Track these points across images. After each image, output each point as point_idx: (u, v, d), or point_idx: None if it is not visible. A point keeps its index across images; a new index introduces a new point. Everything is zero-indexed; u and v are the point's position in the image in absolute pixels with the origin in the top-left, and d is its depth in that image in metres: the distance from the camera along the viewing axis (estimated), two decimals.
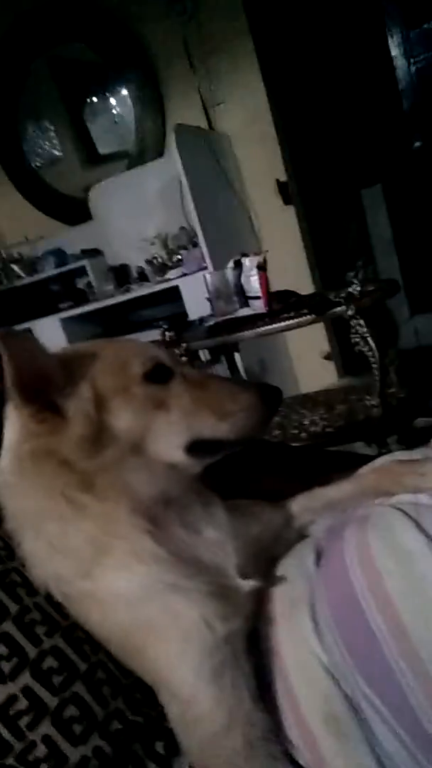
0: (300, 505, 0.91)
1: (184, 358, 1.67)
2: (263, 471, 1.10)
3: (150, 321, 3.27)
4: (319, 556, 0.82)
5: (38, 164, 3.92)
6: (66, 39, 3.57)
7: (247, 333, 1.63)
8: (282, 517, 0.88)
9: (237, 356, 2.66)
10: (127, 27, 3.35)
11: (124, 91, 3.62)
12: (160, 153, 3.48)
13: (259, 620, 0.76)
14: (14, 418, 0.71)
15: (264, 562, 0.82)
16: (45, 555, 0.69)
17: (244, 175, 3.34)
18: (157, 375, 0.73)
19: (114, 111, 3.81)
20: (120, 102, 3.74)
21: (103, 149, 3.86)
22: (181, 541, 0.73)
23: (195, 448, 0.73)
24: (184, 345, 1.67)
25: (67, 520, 0.68)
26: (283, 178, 3.26)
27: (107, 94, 3.76)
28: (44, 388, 0.68)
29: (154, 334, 3.12)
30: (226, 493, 0.86)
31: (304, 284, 3.02)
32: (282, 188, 3.25)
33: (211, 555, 0.74)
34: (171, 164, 3.01)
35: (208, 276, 1.81)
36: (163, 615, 0.68)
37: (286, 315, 1.66)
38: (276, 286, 2.01)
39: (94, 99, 3.83)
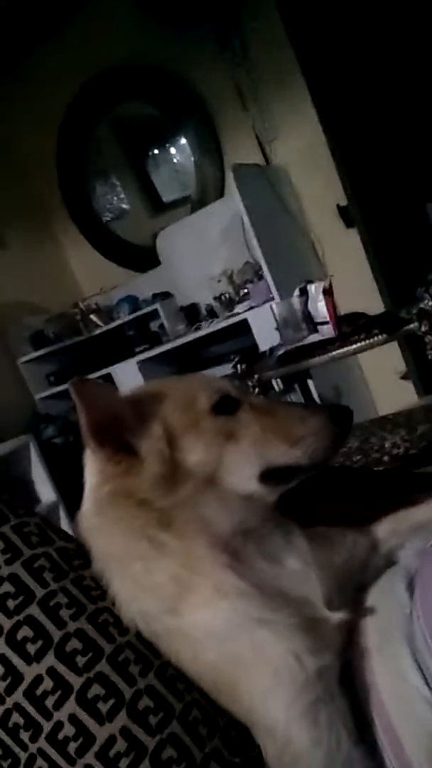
0: (386, 529, 0.88)
1: (256, 390, 1.68)
2: (345, 497, 1.08)
3: (221, 356, 3.32)
4: (411, 583, 0.79)
5: (108, 218, 4.12)
6: (125, 98, 3.77)
7: (317, 359, 1.62)
8: (368, 543, 0.86)
9: (311, 383, 2.64)
10: (180, 78, 3.50)
11: (183, 140, 3.77)
12: (220, 194, 3.57)
13: (351, 654, 0.74)
14: (92, 463, 0.74)
15: (351, 592, 0.80)
16: (131, 594, 0.70)
17: (304, 204, 3.37)
18: (225, 406, 0.74)
19: (175, 160, 3.97)
20: (179, 150, 3.90)
21: (167, 197, 4.02)
22: (264, 574, 0.72)
23: (269, 476, 0.73)
24: (255, 376, 1.68)
25: (149, 559, 0.69)
26: (344, 202, 3.26)
27: (167, 144, 3.93)
28: (117, 431, 0.71)
29: (226, 369, 3.17)
30: (308, 523, 0.85)
31: (373, 305, 2.97)
32: (343, 212, 3.25)
33: (295, 586, 0.73)
34: (231, 203, 3.09)
35: (274, 306, 1.82)
36: (250, 650, 0.67)
37: (356, 337, 1.64)
38: (345, 309, 1.99)
39: (155, 151, 4.01)
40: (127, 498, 0.70)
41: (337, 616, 0.72)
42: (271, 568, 0.73)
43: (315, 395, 2.70)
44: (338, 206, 3.26)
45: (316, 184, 3.30)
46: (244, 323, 3.05)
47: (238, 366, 1.68)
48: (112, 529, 0.71)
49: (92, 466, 0.74)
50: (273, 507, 0.76)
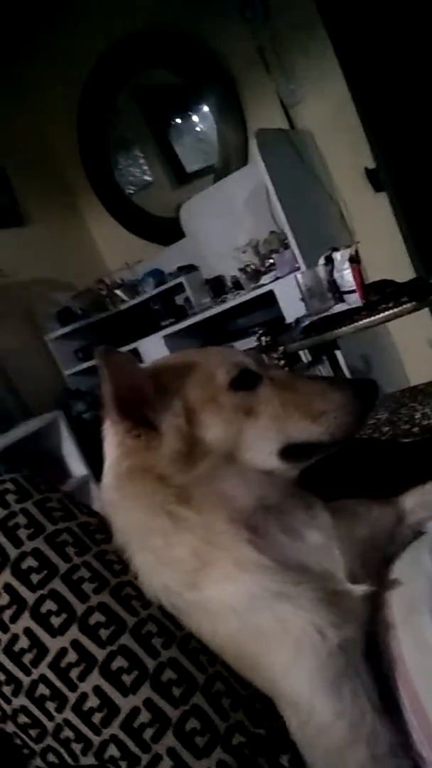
0: (413, 500, 0.87)
1: (282, 362, 1.65)
2: (372, 470, 1.07)
3: (248, 328, 3.29)
4: None
5: (131, 191, 4.08)
6: (146, 66, 3.70)
7: (344, 329, 1.59)
8: (393, 515, 0.85)
9: (339, 354, 2.60)
10: (202, 43, 3.41)
11: (205, 107, 3.69)
12: (244, 162, 3.49)
13: (376, 627, 0.73)
14: (111, 436, 0.74)
15: (376, 564, 0.79)
16: (152, 568, 0.71)
17: (331, 169, 3.27)
18: (244, 381, 0.73)
19: (197, 128, 3.89)
20: (202, 118, 3.82)
21: (190, 167, 3.96)
22: (285, 548, 0.71)
23: (289, 452, 0.72)
24: (281, 348, 1.65)
25: (169, 534, 0.69)
26: (371, 165, 3.15)
27: (189, 113, 3.86)
28: (139, 404, 0.70)
29: (252, 342, 3.14)
30: (333, 496, 0.84)
31: (403, 272, 2.89)
32: (371, 176, 3.14)
33: (317, 560, 0.72)
34: (255, 171, 3.01)
35: (299, 276, 1.79)
36: (272, 624, 0.67)
37: (384, 306, 1.59)
38: (374, 277, 1.94)
39: (178, 120, 3.94)
40: (147, 473, 0.70)
41: (360, 589, 0.71)
42: (293, 543, 0.72)
43: (343, 366, 2.65)
44: (366, 170, 3.16)
45: (343, 148, 3.20)
46: (270, 294, 3.00)
47: (263, 338, 1.66)
48: (132, 503, 0.71)
49: (112, 439, 0.74)
50: (294, 482, 0.75)
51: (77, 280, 3.77)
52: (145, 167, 4.11)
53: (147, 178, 4.11)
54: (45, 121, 3.90)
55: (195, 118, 3.88)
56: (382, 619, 0.73)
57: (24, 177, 3.73)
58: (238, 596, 0.68)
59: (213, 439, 0.70)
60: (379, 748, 0.62)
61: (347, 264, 1.64)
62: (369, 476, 1.07)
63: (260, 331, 1.67)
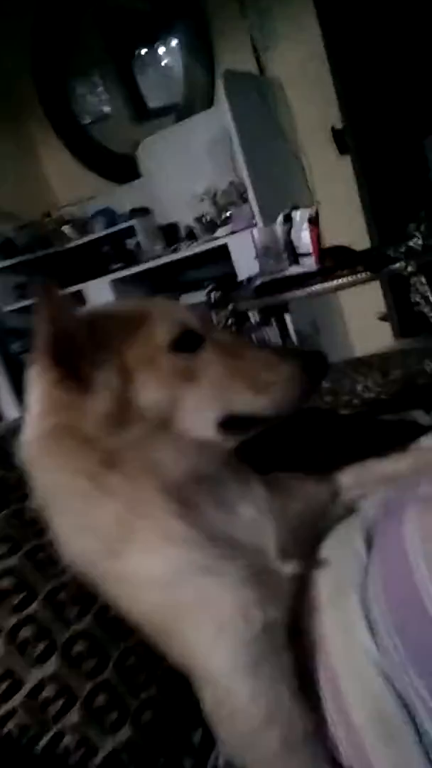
0: (350, 478, 0.85)
1: (230, 321, 1.60)
2: (310, 441, 1.04)
3: (199, 281, 3.20)
4: (369, 536, 0.76)
5: (87, 121, 3.84)
6: None
7: (295, 293, 1.54)
8: (328, 491, 0.82)
9: (288, 317, 2.57)
10: None
11: (174, 41, 3.47)
12: (209, 103, 3.33)
13: (302, 607, 0.71)
14: (38, 385, 0.67)
15: (307, 542, 0.77)
16: (72, 532, 0.66)
17: (298, 123, 3.17)
18: (186, 342, 0.67)
19: (163, 62, 3.68)
20: (169, 52, 3.61)
21: (152, 103, 3.75)
22: (215, 521, 0.68)
23: (228, 424, 0.67)
24: (230, 306, 1.59)
25: (91, 499, 0.64)
26: (339, 125, 3.06)
27: (157, 44, 3.63)
28: (72, 354, 0.63)
29: (203, 295, 3.07)
30: (266, 467, 0.81)
31: (360, 239, 2.86)
32: (337, 136, 3.06)
33: (248, 535, 0.69)
34: (220, 114, 2.88)
35: (255, 232, 1.72)
36: (196, 600, 0.64)
37: (338, 273, 1.55)
38: (330, 241, 1.89)
39: (143, 51, 3.70)
40: (72, 433, 0.64)
41: (289, 568, 0.69)
42: (224, 516, 0.69)
43: (292, 330, 2.63)
44: (333, 129, 3.07)
45: (311, 103, 3.09)
46: (224, 248, 2.92)
47: (212, 294, 1.59)
48: (54, 463, 0.65)
49: (39, 389, 0.67)
50: (230, 453, 0.71)
51: (22, 211, 3.55)
52: (104, 97, 3.88)
53: (105, 109, 3.88)
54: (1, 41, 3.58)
55: (161, 51, 3.66)
56: (308, 599, 0.71)
57: None
58: (161, 568, 0.64)
59: (147, 403, 0.64)
60: (293, 732, 0.60)
61: (306, 225, 1.58)
62: (307, 446, 1.04)
63: (211, 286, 1.60)
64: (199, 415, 0.66)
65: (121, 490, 0.64)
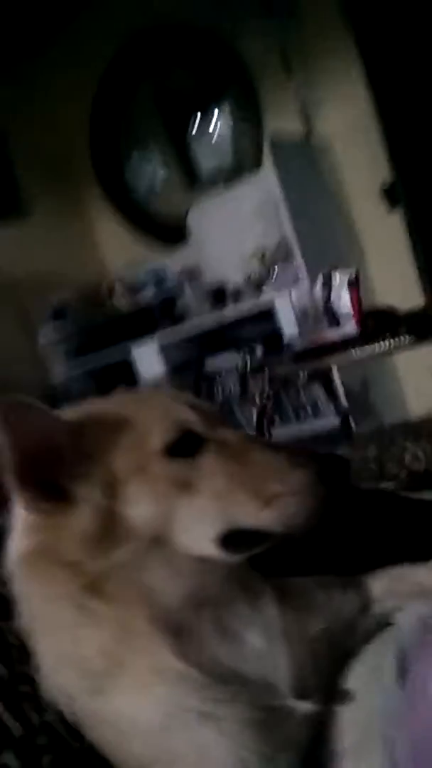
0: (382, 586, 0.73)
1: (266, 388, 1.51)
2: (339, 532, 0.93)
3: (248, 340, 3.15)
4: (402, 663, 0.64)
5: (141, 190, 3.96)
6: (165, 61, 3.57)
7: (335, 359, 1.44)
8: (357, 602, 0.71)
9: (336, 374, 2.46)
10: (224, 41, 3.28)
11: (224, 108, 3.56)
12: (259, 166, 3.36)
13: (321, 752, 0.59)
14: (16, 502, 0.60)
15: (331, 667, 0.65)
16: (54, 664, 0.57)
17: (346, 182, 3.13)
18: (184, 446, 0.58)
19: (215, 129, 3.77)
20: (220, 119, 3.69)
21: (203, 170, 3.83)
22: (217, 653, 0.58)
23: (231, 539, 0.57)
24: (266, 371, 1.51)
25: (74, 628, 0.56)
26: (388, 182, 3.00)
27: (208, 112, 3.73)
28: (49, 468, 0.56)
29: (258, 351, 3.00)
30: (284, 568, 0.70)
31: (412, 299, 2.74)
32: (387, 194, 3.00)
33: (255, 668, 0.58)
34: (268, 178, 2.89)
35: (293, 294, 1.65)
36: (188, 751, 0.54)
37: (380, 337, 1.45)
38: (381, 300, 1.80)
39: (196, 121, 3.82)
40: (51, 557, 0.56)
41: (306, 707, 0.58)
42: (228, 647, 0.59)
43: (340, 389, 2.52)
44: (382, 188, 3.01)
45: (360, 161, 3.05)
46: (272, 307, 2.86)
47: (248, 360, 1.52)
48: (33, 589, 0.57)
49: (16, 507, 0.59)
50: (235, 569, 0.61)
51: (76, 279, 3.64)
52: (157, 166, 4.00)
53: (158, 177, 3.99)
54: (57, 110, 3.78)
55: (213, 120, 3.76)
56: (330, 743, 0.59)
57: (29, 166, 3.61)
58: (150, 711, 0.55)
59: (138, 518, 0.55)
60: None
61: (346, 287, 1.50)
62: (334, 538, 0.93)
63: (246, 351, 1.53)
64: (197, 529, 0.56)
65: (108, 619, 0.55)
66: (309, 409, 2.83)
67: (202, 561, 0.57)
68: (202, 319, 3.14)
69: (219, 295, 3.28)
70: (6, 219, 3.50)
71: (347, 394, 2.55)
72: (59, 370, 3.47)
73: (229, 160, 3.56)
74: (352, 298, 1.50)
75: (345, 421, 2.04)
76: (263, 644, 0.59)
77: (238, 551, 0.58)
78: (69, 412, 0.62)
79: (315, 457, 0.59)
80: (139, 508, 0.55)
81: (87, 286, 3.58)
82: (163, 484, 0.56)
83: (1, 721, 0.56)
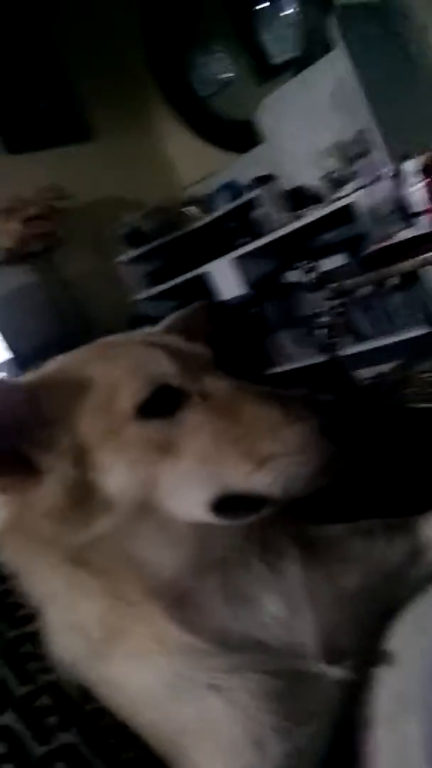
0: None
1: (338, 303, 1.38)
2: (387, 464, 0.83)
3: (333, 246, 2.93)
4: None
5: (210, 93, 3.70)
6: None
7: (406, 264, 1.27)
8: (405, 548, 0.64)
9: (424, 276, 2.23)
10: None
11: None
12: (329, 47, 2.99)
13: (355, 718, 0.54)
14: None
15: (370, 623, 0.59)
16: (58, 627, 0.55)
17: None
18: (160, 403, 0.51)
19: (283, 13, 3.39)
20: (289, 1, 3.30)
21: (275, 59, 3.49)
22: (227, 621, 0.53)
23: (225, 505, 0.51)
24: (334, 285, 1.37)
25: (69, 598, 0.53)
26: None
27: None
28: (8, 439, 0.51)
29: (339, 259, 2.79)
30: (320, 511, 0.63)
31: None
32: None
33: (276, 635, 0.54)
34: (340, 57, 2.55)
35: (359, 195, 1.46)
36: (197, 722, 0.52)
37: None
38: None
39: (262, 5, 3.45)
40: (27, 532, 0.52)
41: (338, 672, 0.53)
42: (240, 613, 0.54)
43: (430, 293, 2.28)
44: None
45: None
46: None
47: (310, 274, 1.38)
48: (21, 565, 0.54)
49: None
50: (249, 527, 0.54)
51: (148, 198, 3.54)
52: (225, 63, 3.69)
53: (227, 75, 3.69)
54: (113, 28, 3.56)
55: (281, 0, 3.38)
56: (365, 710, 0.54)
57: (92, 89, 3.48)
58: (153, 682, 0.52)
59: (115, 487, 0.50)
60: None
61: (418, 177, 1.30)
62: (381, 473, 0.84)
63: (309, 265, 1.39)
64: (187, 496, 0.50)
65: (99, 591, 0.52)
66: (392, 319, 2.60)
67: (201, 525, 0.51)
68: (279, 227, 2.94)
69: (297, 200, 3.04)
70: (73, 144, 3.42)
71: None
72: (139, 291, 3.46)
73: (300, 46, 3.20)
74: (427, 189, 1.29)
75: None
76: (284, 609, 0.55)
77: (234, 517, 0.51)
78: (29, 375, 0.56)
79: (317, 406, 0.50)
80: (115, 476, 0.50)
81: (161, 204, 3.47)
82: (140, 449, 0.50)
83: (4, 682, 0.55)
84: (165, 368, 0.53)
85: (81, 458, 0.50)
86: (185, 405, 0.52)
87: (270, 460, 0.49)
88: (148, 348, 0.55)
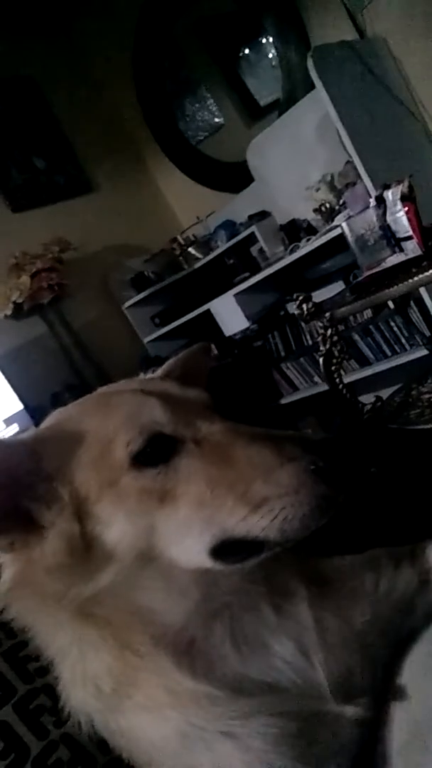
0: None
1: (330, 333, 1.42)
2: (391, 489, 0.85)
3: (331, 274, 3.00)
4: None
5: (201, 137, 3.82)
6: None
7: (395, 289, 1.31)
8: (414, 576, 0.64)
9: (426, 296, 2.27)
10: None
11: (270, 33, 3.30)
12: (312, 86, 3.10)
13: (373, 752, 0.55)
14: None
15: (383, 655, 0.60)
16: (72, 680, 0.57)
17: (410, 78, 2.81)
18: (155, 452, 0.52)
19: (269, 55, 3.52)
20: (270, 45, 3.44)
21: (264, 101, 3.61)
22: (236, 667, 0.54)
23: (226, 550, 0.51)
24: (327, 315, 1.42)
25: (78, 651, 0.54)
26: None
27: (257, 40, 3.49)
28: (9, 497, 0.52)
29: (335, 288, 2.85)
30: (326, 544, 0.64)
31: None
32: None
33: (289, 677, 0.54)
34: (321, 95, 2.65)
35: (344, 225, 1.52)
36: None
37: None
38: None
39: (246, 51, 3.59)
40: (31, 589, 0.53)
41: (352, 711, 0.54)
42: (249, 658, 0.54)
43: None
44: None
45: (423, 51, 2.72)
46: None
47: (304, 306, 1.43)
48: (29, 621, 0.56)
49: None
50: (257, 570, 0.55)
51: (151, 243, 3.65)
52: (214, 108, 3.83)
53: (217, 120, 3.82)
54: (103, 82, 3.74)
55: (265, 46, 3.51)
56: (381, 744, 0.55)
57: (88, 143, 3.62)
58: (166, 733, 0.53)
59: (115, 539, 0.51)
60: None
61: (399, 204, 1.35)
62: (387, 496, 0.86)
63: (300, 297, 1.44)
64: (187, 543, 0.51)
65: (105, 644, 0.53)
66: (392, 343, 2.64)
67: (204, 572, 0.52)
68: (276, 261, 3.01)
69: (291, 234, 3.13)
70: (74, 198, 3.55)
71: None
72: (147, 333, 3.53)
73: (284, 86, 3.32)
74: (409, 215, 1.35)
75: None
76: (295, 652, 0.55)
77: (235, 561, 0.51)
78: (30, 431, 0.58)
79: (309, 445, 0.50)
80: (114, 527, 0.50)
81: (163, 248, 3.57)
82: (137, 498, 0.51)
83: (21, 739, 0.56)
84: (158, 417, 0.53)
85: (81, 511, 0.51)
86: (180, 452, 0.52)
87: (265, 504, 0.48)
88: (142, 397, 0.56)
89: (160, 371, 0.71)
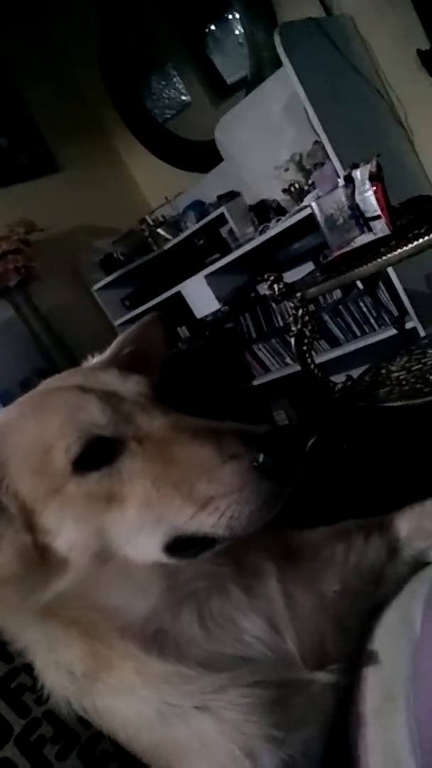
0: (410, 525, 0.67)
1: (303, 313, 1.43)
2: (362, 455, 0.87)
3: (300, 255, 3.00)
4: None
5: (168, 116, 3.77)
6: None
7: (365, 268, 1.33)
8: (383, 547, 0.66)
9: (394, 276, 2.29)
10: None
11: (237, 10, 3.26)
12: (279, 64, 3.08)
13: (346, 715, 0.57)
14: None
15: (355, 623, 0.61)
16: (43, 667, 0.58)
17: (377, 57, 2.81)
18: (96, 455, 0.51)
19: (236, 32, 3.48)
20: (237, 21, 3.39)
21: (231, 78, 3.57)
22: (208, 644, 0.55)
23: (179, 545, 0.51)
24: (298, 295, 1.43)
25: (48, 643, 0.56)
26: (426, 46, 2.66)
27: (224, 16, 3.44)
28: None
29: (306, 268, 2.86)
30: (298, 511, 0.65)
31: None
32: (425, 58, 2.66)
33: (260, 650, 0.56)
34: (288, 73, 2.63)
35: (314, 205, 1.52)
36: (189, 741, 0.54)
37: (417, 231, 1.31)
38: None
39: (213, 27, 3.54)
40: None
41: (325, 676, 0.55)
42: (221, 635, 0.55)
43: (401, 291, 2.35)
44: (419, 52, 2.68)
45: (389, 31, 2.72)
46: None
47: (275, 286, 1.43)
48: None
49: None
50: (225, 552, 0.55)
51: (119, 223, 3.60)
52: (181, 86, 3.77)
53: (184, 98, 3.77)
54: (67, 59, 3.64)
55: (230, 21, 3.46)
56: (354, 708, 0.57)
57: (53, 121, 3.54)
58: (142, 711, 0.54)
59: (66, 546, 0.50)
60: None
61: (368, 184, 1.35)
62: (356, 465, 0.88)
63: (270, 277, 1.44)
64: (140, 541, 0.50)
65: (75, 640, 0.54)
66: (362, 323, 2.67)
67: (164, 565, 0.52)
68: (246, 242, 3.01)
69: (261, 214, 3.12)
70: (39, 177, 3.47)
71: (410, 297, 2.38)
72: (117, 316, 3.49)
73: (251, 64, 3.29)
74: (377, 195, 1.35)
75: (403, 330, 1.91)
76: (265, 627, 0.56)
77: (190, 555, 0.52)
78: None
79: (252, 439, 0.49)
80: (65, 535, 0.50)
81: (132, 228, 3.52)
82: (84, 503, 0.50)
83: (2, 717, 0.58)
84: (96, 418, 0.52)
85: (29, 521, 0.50)
86: (122, 452, 0.51)
87: (211, 503, 0.48)
88: (79, 397, 0.55)
89: (108, 351, 0.69)
